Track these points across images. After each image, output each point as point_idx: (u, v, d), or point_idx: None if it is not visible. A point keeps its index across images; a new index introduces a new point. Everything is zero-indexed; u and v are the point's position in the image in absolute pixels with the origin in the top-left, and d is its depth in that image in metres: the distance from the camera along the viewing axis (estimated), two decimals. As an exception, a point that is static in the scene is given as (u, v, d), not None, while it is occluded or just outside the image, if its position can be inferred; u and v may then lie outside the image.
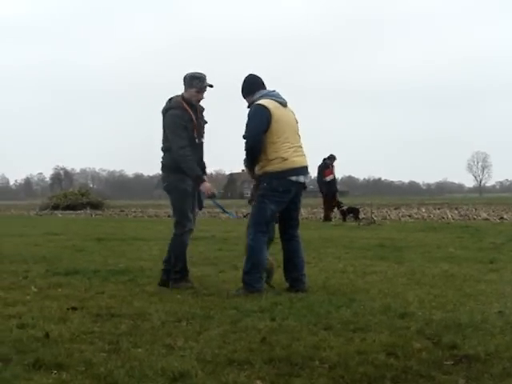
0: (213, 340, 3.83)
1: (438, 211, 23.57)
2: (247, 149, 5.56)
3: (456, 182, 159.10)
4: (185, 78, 5.89)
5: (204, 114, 6.08)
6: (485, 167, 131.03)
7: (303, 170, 5.65)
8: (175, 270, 5.89)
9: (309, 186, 6.28)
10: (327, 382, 3.10)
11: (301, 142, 5.73)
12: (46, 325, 4.23)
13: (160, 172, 6.13)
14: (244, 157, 5.67)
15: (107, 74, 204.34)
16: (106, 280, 6.37)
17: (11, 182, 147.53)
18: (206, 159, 6.09)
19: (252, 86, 5.70)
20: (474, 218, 19.27)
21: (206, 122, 6.09)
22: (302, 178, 5.61)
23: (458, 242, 10.35)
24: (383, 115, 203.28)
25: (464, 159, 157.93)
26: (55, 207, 33.33)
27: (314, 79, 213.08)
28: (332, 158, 17.76)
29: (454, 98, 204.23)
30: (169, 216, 6.34)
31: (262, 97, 5.59)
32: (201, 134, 5.98)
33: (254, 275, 5.46)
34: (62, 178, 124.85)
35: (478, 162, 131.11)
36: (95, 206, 33.45)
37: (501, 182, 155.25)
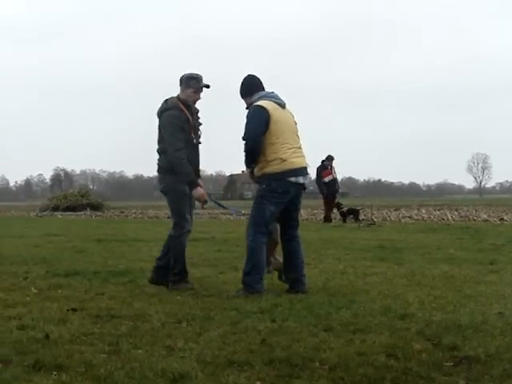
0: (213, 341, 3.83)
1: (438, 212, 23.56)
2: (246, 150, 5.56)
3: (456, 183, 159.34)
4: (181, 78, 5.90)
5: (199, 115, 6.09)
6: (485, 168, 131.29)
7: (302, 171, 5.65)
8: (174, 272, 5.88)
9: (309, 187, 6.29)
10: (327, 384, 3.10)
11: (300, 143, 5.74)
12: (46, 326, 4.23)
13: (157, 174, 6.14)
14: (243, 158, 5.67)
15: (107, 74, 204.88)
16: (106, 281, 6.37)
17: (11, 183, 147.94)
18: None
19: (250, 87, 5.70)
20: (474, 220, 19.26)
21: (201, 124, 6.10)
22: (301, 179, 5.61)
23: (458, 244, 10.35)
24: (383, 116, 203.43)
25: (464, 160, 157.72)
26: (55, 208, 33.28)
27: (313, 79, 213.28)
28: (330, 158, 17.75)
29: (454, 99, 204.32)
30: (168, 217, 6.33)
31: (260, 98, 5.60)
32: (197, 135, 5.99)
33: (254, 276, 5.45)
34: (62, 179, 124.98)
35: (478, 164, 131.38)
36: (95, 207, 33.40)
37: (501, 184, 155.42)
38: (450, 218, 19.96)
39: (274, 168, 5.49)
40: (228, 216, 22.72)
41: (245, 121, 5.57)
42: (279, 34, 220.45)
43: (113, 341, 3.85)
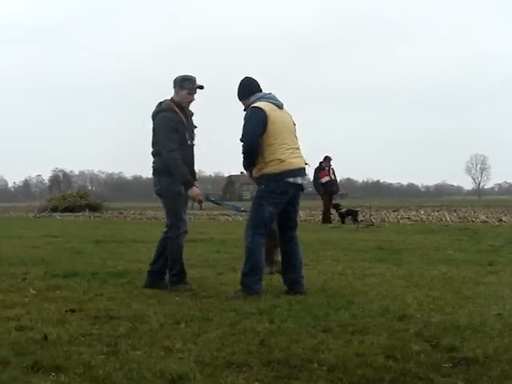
0: (211, 342, 3.83)
1: (436, 213, 23.58)
2: (245, 152, 5.56)
3: (455, 184, 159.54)
4: (175, 80, 5.93)
5: (194, 118, 6.12)
6: (483, 169, 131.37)
7: (300, 172, 5.65)
8: (172, 273, 5.90)
9: (307, 187, 6.28)
10: (326, 385, 3.10)
11: (298, 144, 5.74)
12: (44, 327, 4.22)
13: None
14: (242, 160, 5.67)
15: (106, 75, 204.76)
16: (105, 282, 6.36)
17: (10, 184, 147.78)
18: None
19: (248, 89, 5.71)
20: (473, 221, 19.27)
21: (196, 127, 6.11)
22: (299, 180, 5.61)
23: (457, 245, 10.36)
24: (382, 117, 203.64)
25: (463, 161, 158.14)
26: (54, 209, 33.26)
27: (312, 80, 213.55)
28: (327, 159, 17.80)
29: (453, 100, 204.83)
30: (155, 218, 6.28)
31: (257, 99, 5.60)
32: (191, 137, 6.00)
33: (252, 277, 5.45)
34: (60, 180, 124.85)
35: (476, 165, 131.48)
36: (94, 208, 33.37)
37: (499, 185, 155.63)
38: (448, 219, 19.97)
39: (272, 169, 5.49)
40: (226, 217, 22.72)
41: (242, 123, 5.58)
42: (278, 34, 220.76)
43: (111, 342, 3.85)
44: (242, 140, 5.57)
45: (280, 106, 5.66)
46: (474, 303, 5.01)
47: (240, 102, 5.76)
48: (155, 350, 3.66)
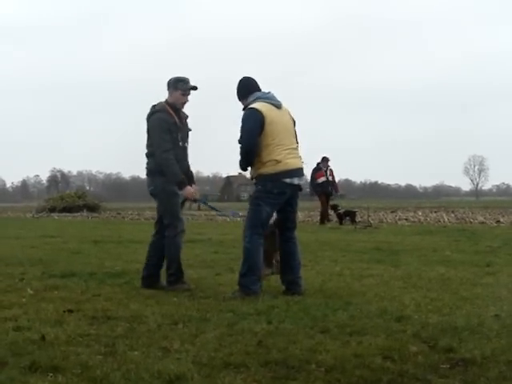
0: (209, 343, 3.83)
1: (434, 214, 23.59)
2: (242, 153, 5.56)
3: (453, 185, 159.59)
4: (169, 82, 5.95)
5: (188, 121, 6.13)
6: (481, 171, 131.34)
7: (297, 172, 5.65)
8: (170, 273, 5.91)
9: (305, 188, 6.29)
10: (323, 385, 3.10)
11: (296, 144, 5.73)
12: (42, 327, 4.22)
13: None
14: (239, 160, 5.66)
15: (105, 76, 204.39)
16: (103, 282, 6.36)
17: (8, 185, 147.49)
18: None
19: (246, 89, 5.71)
20: (471, 222, 19.28)
21: (190, 130, 6.13)
22: (296, 180, 5.61)
23: (455, 246, 10.36)
24: (380, 118, 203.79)
25: (461, 162, 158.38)
26: (52, 210, 33.22)
27: (312, 80, 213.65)
28: (325, 160, 17.84)
29: (451, 101, 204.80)
30: (156, 221, 6.22)
31: (255, 100, 5.60)
32: (185, 139, 6.01)
33: (250, 277, 5.45)
34: (58, 180, 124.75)
35: (474, 166, 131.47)
36: (92, 208, 33.33)
37: (497, 186, 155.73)
38: (446, 220, 19.99)
39: (268, 169, 5.49)
40: (224, 218, 22.72)
41: (240, 124, 5.58)
42: (277, 34, 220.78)
43: (109, 342, 3.84)
44: (239, 141, 5.57)
45: (278, 106, 5.66)
46: (472, 304, 5.02)
47: (239, 102, 5.76)
48: (153, 351, 3.66)
